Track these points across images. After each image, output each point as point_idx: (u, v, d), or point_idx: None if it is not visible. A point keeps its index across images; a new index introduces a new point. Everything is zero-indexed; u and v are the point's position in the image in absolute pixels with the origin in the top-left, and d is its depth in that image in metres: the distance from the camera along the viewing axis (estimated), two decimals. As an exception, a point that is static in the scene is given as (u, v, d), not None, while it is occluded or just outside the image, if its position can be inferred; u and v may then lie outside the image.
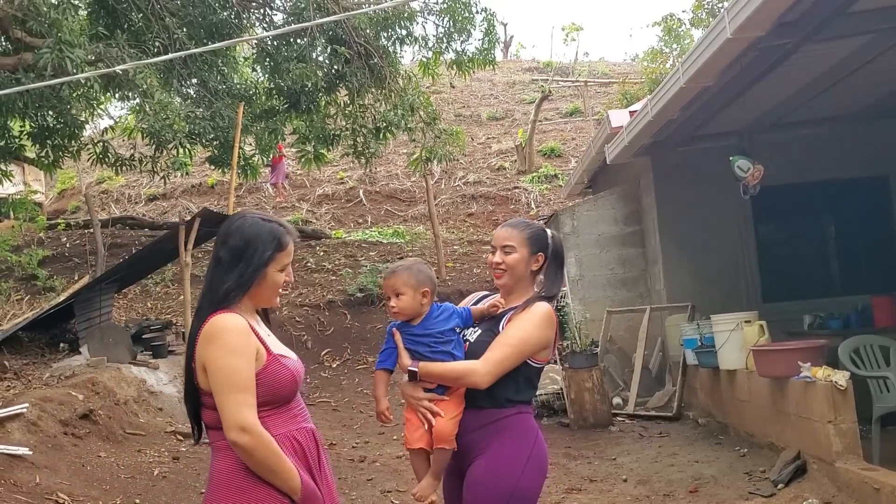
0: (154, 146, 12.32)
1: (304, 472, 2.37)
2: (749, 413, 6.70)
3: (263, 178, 19.29)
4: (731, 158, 7.41)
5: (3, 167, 12.86)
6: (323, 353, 10.88)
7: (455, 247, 15.17)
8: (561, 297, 9.06)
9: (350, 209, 18.66)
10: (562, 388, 8.31)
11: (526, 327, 2.74)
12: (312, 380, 10.09)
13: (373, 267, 13.18)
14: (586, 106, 24.03)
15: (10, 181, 13.53)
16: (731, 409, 7.12)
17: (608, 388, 8.65)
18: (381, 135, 13.17)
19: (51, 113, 12.21)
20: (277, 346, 2.51)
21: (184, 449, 7.69)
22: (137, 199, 19.45)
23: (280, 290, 2.53)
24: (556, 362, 8.63)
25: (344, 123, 13.26)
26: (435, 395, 2.73)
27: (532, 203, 18.13)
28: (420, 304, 2.80)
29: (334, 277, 13.13)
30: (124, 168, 13.16)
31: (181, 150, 12.70)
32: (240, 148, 13.94)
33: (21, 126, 12.93)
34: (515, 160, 20.58)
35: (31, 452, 6.40)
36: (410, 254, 14.54)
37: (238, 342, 2.34)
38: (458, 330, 2.83)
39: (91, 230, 14.61)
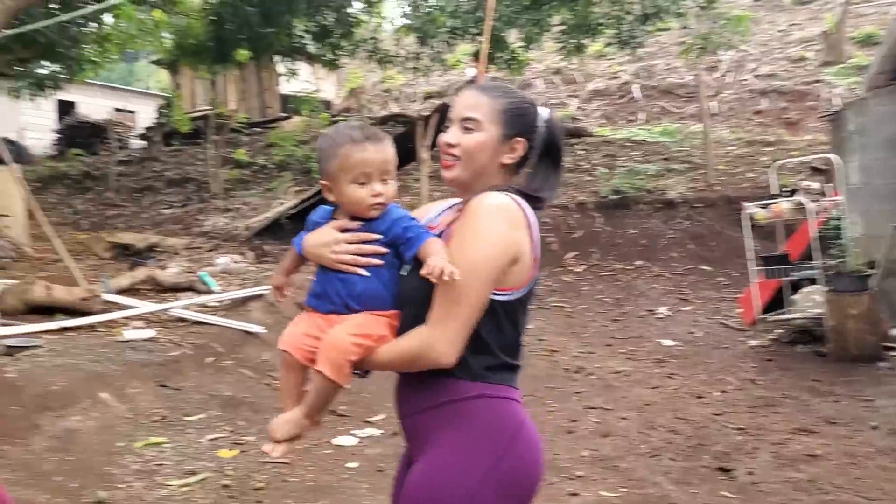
0: (419, 42, 12.48)
1: None
2: None
3: (532, 73, 18.86)
4: None
5: (291, 65, 13.81)
6: (567, 257, 10.46)
7: (731, 147, 13.70)
8: (835, 205, 7.72)
9: (622, 105, 17.62)
10: (824, 313, 7.15)
11: (470, 244, 1.69)
12: (552, 283, 9.74)
13: (631, 168, 12.33)
14: (921, -19, 20.23)
15: (296, 78, 14.47)
16: None
17: (884, 317, 7.28)
18: (650, 22, 12.06)
19: (328, 13, 12.84)
20: None
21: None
22: (414, 98, 20.05)
23: None
24: (819, 283, 7.43)
25: (609, 10, 12.31)
26: (368, 237, 1.76)
27: (835, 99, 15.80)
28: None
29: (589, 178, 12.50)
30: (389, 65, 13.51)
31: (443, 46, 12.71)
32: (505, 42, 13.62)
33: (305, 25, 13.70)
34: (820, 49, 18.03)
35: (265, 331, 6.82)
36: (677, 155, 13.39)
37: None
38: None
39: (365, 126, 15.31)
